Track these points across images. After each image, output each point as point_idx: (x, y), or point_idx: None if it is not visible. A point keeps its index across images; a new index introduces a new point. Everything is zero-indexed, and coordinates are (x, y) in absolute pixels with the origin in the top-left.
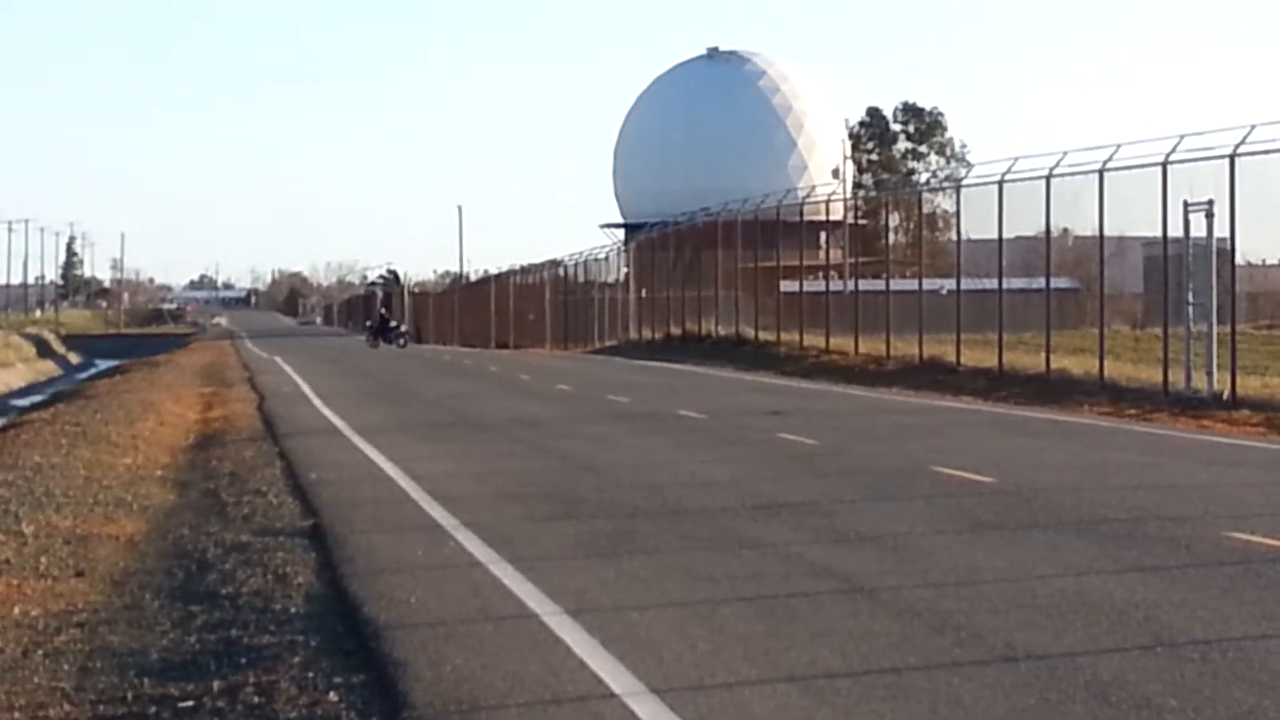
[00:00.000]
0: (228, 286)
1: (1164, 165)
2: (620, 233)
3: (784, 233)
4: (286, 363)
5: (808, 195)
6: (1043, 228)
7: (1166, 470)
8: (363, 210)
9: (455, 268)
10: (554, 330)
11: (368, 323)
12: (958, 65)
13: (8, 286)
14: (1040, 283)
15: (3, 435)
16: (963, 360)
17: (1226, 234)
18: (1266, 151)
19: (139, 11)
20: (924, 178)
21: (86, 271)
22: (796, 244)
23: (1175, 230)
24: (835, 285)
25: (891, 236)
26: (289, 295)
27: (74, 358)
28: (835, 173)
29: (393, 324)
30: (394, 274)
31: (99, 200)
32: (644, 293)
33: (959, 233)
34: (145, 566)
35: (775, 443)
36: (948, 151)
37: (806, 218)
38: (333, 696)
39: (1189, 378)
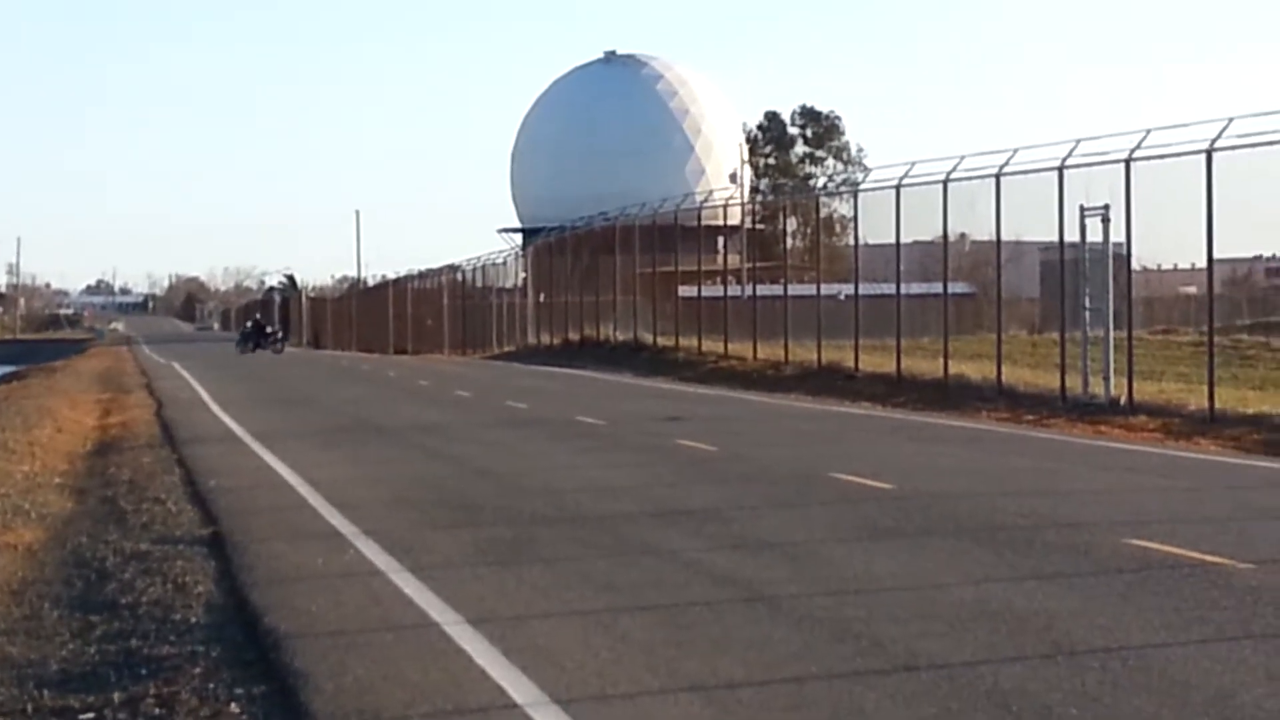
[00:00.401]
0: (125, 292)
1: (1060, 169)
2: (518, 237)
3: (682, 237)
4: (184, 369)
5: (705, 200)
6: (940, 232)
7: (1065, 476)
8: (260, 215)
9: (353, 273)
10: (453, 336)
11: (241, 328)
12: (855, 69)
13: None
14: (938, 287)
15: None
16: (861, 366)
17: (1123, 239)
18: (1161, 156)
19: (34, 11)
20: (821, 182)
21: None
22: (694, 249)
23: (1072, 235)
24: (733, 290)
25: (789, 241)
26: (186, 300)
27: None
28: (733, 177)
29: (268, 330)
30: (291, 279)
31: None
32: (542, 298)
33: (856, 237)
34: (44, 576)
35: (674, 449)
36: (845, 156)
37: (704, 222)
38: (234, 708)
39: (1086, 383)
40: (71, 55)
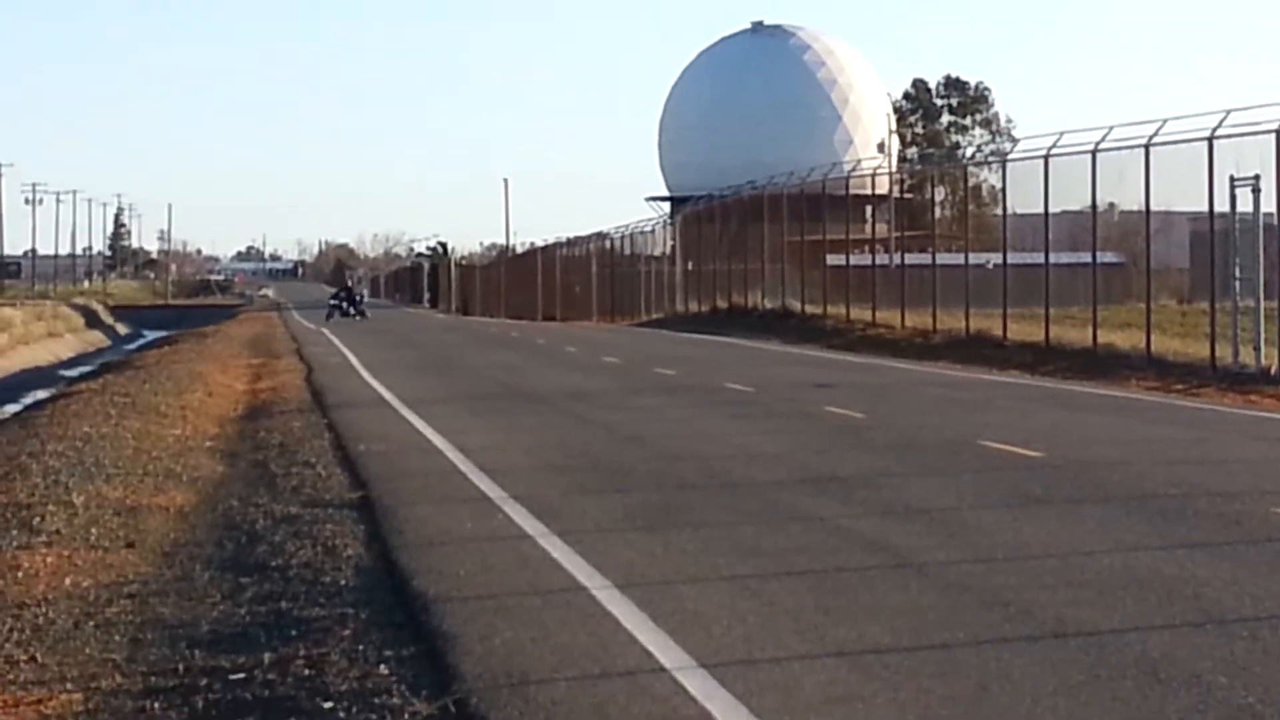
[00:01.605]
0: (274, 258)
1: (1210, 140)
2: (666, 206)
3: (830, 206)
4: (334, 334)
5: (853, 169)
6: (1088, 202)
7: (1215, 445)
8: (409, 182)
9: (501, 240)
10: (600, 303)
11: (331, 298)
12: (1002, 39)
13: (56, 257)
14: (1086, 257)
15: (52, 405)
16: (1009, 334)
17: (1273, 209)
18: None
19: None
20: (968, 152)
21: (134, 243)
22: (842, 217)
23: (1222, 205)
24: (881, 259)
25: (937, 210)
26: (336, 267)
27: (122, 328)
28: (880, 146)
29: (357, 296)
30: (441, 246)
31: (146, 172)
32: (690, 265)
33: (1004, 207)
34: (195, 538)
35: (823, 416)
36: (993, 126)
37: (852, 191)
38: (383, 669)
39: (1236, 353)
40: (221, 27)
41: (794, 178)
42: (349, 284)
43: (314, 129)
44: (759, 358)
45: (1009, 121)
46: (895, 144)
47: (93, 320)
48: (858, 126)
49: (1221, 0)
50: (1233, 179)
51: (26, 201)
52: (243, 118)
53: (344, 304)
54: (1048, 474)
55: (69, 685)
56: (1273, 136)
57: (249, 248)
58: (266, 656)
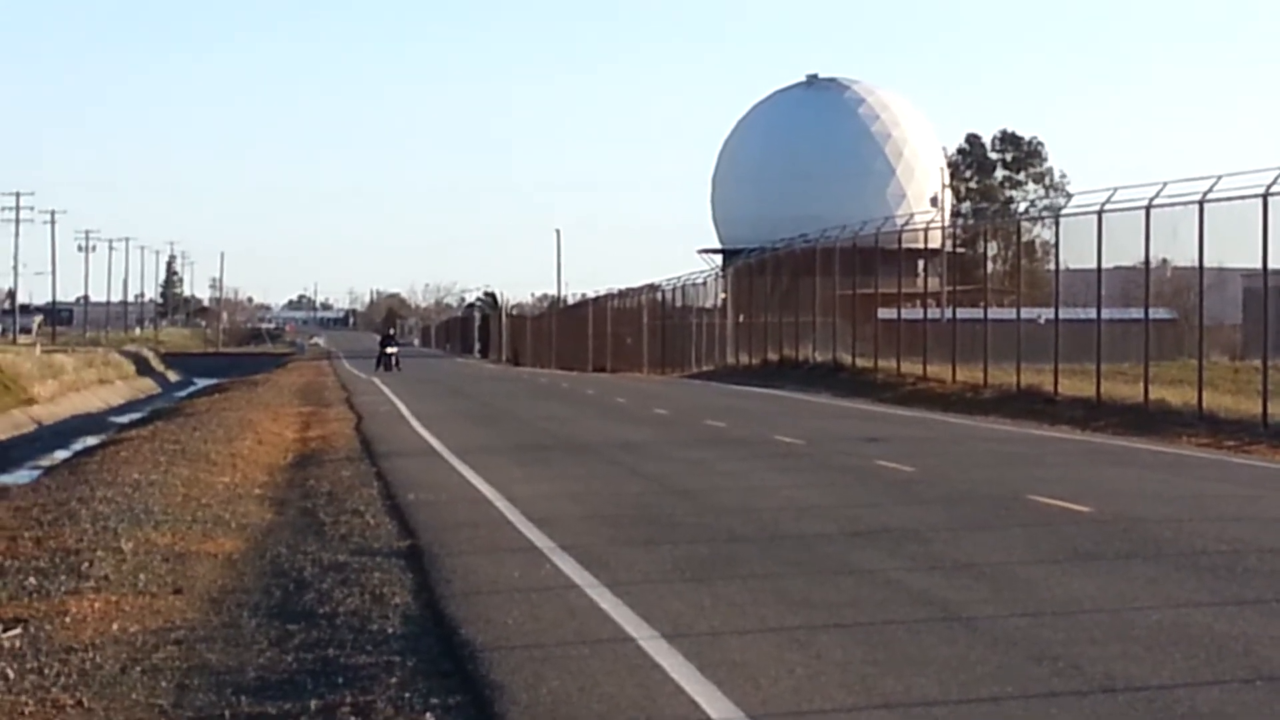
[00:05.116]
0: (326, 307)
1: (1264, 197)
2: (718, 258)
3: (882, 260)
4: (384, 383)
5: (906, 223)
6: (1141, 258)
7: (1266, 503)
8: (461, 232)
9: (553, 291)
10: (651, 354)
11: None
12: (1057, 94)
13: (108, 304)
14: (1138, 313)
15: (102, 452)
16: (1060, 389)
17: None
18: None
19: (241, 37)
20: (1022, 206)
21: (186, 290)
22: (894, 271)
23: (1275, 262)
24: (933, 313)
25: (990, 265)
26: (387, 316)
27: (173, 375)
28: (934, 201)
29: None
30: (492, 296)
31: (199, 219)
32: (742, 318)
33: (1057, 262)
34: (243, 585)
35: (873, 469)
36: (1046, 180)
37: (905, 245)
38: (429, 717)
39: None
40: (275, 77)
41: (846, 231)
42: (390, 331)
43: (367, 178)
44: (809, 411)
45: (1063, 176)
46: (948, 198)
47: (143, 367)
48: (911, 180)
49: (1276, 58)
50: None
51: (79, 249)
52: (296, 167)
53: (388, 352)
54: (1097, 529)
55: None
56: None
57: (300, 296)
58: (313, 703)
